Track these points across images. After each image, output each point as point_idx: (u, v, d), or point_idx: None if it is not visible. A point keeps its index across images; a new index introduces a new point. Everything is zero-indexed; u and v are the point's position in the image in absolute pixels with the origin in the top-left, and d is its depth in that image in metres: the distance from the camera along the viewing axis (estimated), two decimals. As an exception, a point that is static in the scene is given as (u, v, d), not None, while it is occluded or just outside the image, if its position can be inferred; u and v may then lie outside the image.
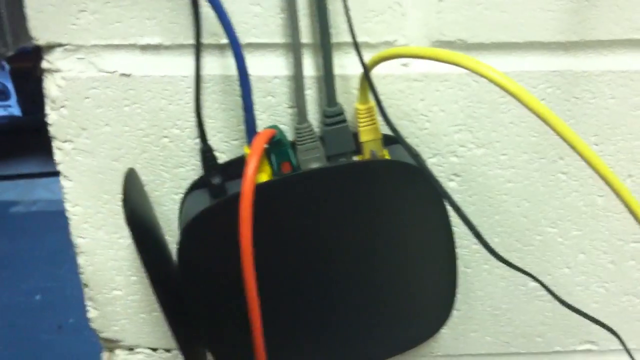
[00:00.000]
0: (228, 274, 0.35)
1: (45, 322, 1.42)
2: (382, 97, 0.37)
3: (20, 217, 1.70)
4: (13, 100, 1.69)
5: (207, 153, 0.36)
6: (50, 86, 0.36)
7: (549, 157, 0.39)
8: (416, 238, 0.39)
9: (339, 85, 0.36)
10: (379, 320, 0.40)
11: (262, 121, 0.37)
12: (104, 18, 0.34)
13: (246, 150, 0.35)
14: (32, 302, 1.47)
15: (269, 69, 0.36)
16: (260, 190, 0.32)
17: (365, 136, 0.36)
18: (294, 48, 0.34)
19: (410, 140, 0.38)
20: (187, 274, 0.37)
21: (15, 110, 1.71)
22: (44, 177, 1.71)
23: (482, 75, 0.28)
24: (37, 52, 0.36)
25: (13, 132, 1.80)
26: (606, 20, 0.36)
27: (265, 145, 0.34)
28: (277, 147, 0.35)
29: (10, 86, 1.67)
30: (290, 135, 0.37)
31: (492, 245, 0.42)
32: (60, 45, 0.35)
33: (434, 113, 0.38)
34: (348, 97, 0.37)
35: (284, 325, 0.39)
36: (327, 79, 0.35)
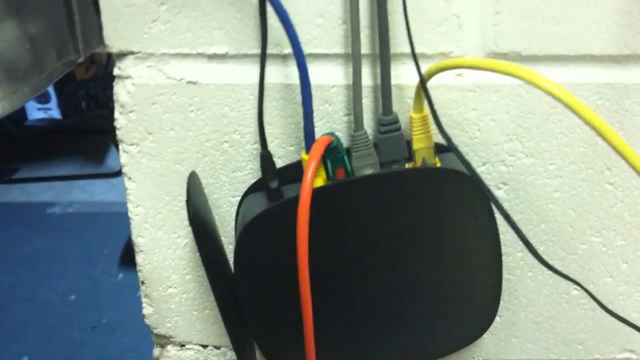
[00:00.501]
0: (283, 274, 0.37)
1: (80, 321, 1.44)
2: (435, 107, 0.38)
3: (57, 218, 1.73)
4: (53, 103, 1.73)
5: (266, 158, 0.37)
6: (121, 92, 0.37)
7: (596, 167, 0.40)
8: (464, 244, 0.40)
9: (394, 94, 0.38)
10: (424, 323, 0.41)
11: (319, 128, 0.39)
12: (175, 28, 0.36)
13: (304, 156, 0.37)
14: (67, 302, 1.50)
15: (327, 78, 0.38)
16: (316, 194, 0.33)
17: (418, 144, 0.37)
18: (354, 58, 0.35)
19: (461, 148, 0.40)
20: (243, 273, 0.38)
21: (55, 113, 1.75)
22: (81, 179, 1.74)
23: (538, 87, 0.29)
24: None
25: (53, 134, 1.84)
26: (657, 35, 0.37)
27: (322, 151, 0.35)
28: (333, 153, 0.36)
29: (50, 89, 1.71)
30: (345, 142, 0.38)
31: (538, 253, 0.43)
32: (132, 53, 0.37)
33: (485, 122, 0.39)
34: (402, 106, 0.38)
35: (333, 326, 0.40)
36: (384, 88, 0.36)
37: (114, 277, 1.55)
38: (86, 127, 1.69)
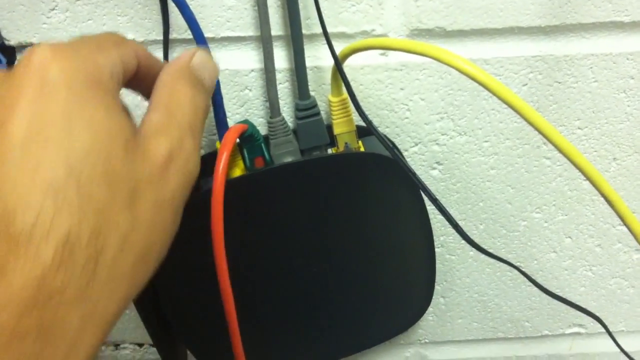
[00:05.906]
0: (202, 270, 0.35)
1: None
2: (361, 87, 0.37)
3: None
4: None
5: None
6: (24, 86, 0.35)
7: (532, 142, 0.39)
8: (393, 228, 0.38)
9: (316, 77, 0.36)
10: (358, 310, 0.40)
11: (240, 115, 0.37)
12: (76, 16, 0.34)
13: (218, 145, 0.35)
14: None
15: (245, 62, 0.36)
16: (232, 185, 0.31)
17: (339, 128, 0.35)
18: (264, 41, 0.33)
19: (392, 129, 0.38)
20: (160, 271, 0.36)
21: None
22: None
23: (449, 65, 0.27)
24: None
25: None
26: (587, 3, 0.35)
27: (238, 140, 0.33)
28: (249, 141, 0.34)
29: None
30: (265, 129, 0.37)
31: (477, 232, 0.42)
32: (32, 45, 0.34)
33: (414, 102, 0.37)
34: (327, 89, 0.36)
35: (264, 319, 0.38)
36: (298, 71, 0.34)
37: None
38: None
